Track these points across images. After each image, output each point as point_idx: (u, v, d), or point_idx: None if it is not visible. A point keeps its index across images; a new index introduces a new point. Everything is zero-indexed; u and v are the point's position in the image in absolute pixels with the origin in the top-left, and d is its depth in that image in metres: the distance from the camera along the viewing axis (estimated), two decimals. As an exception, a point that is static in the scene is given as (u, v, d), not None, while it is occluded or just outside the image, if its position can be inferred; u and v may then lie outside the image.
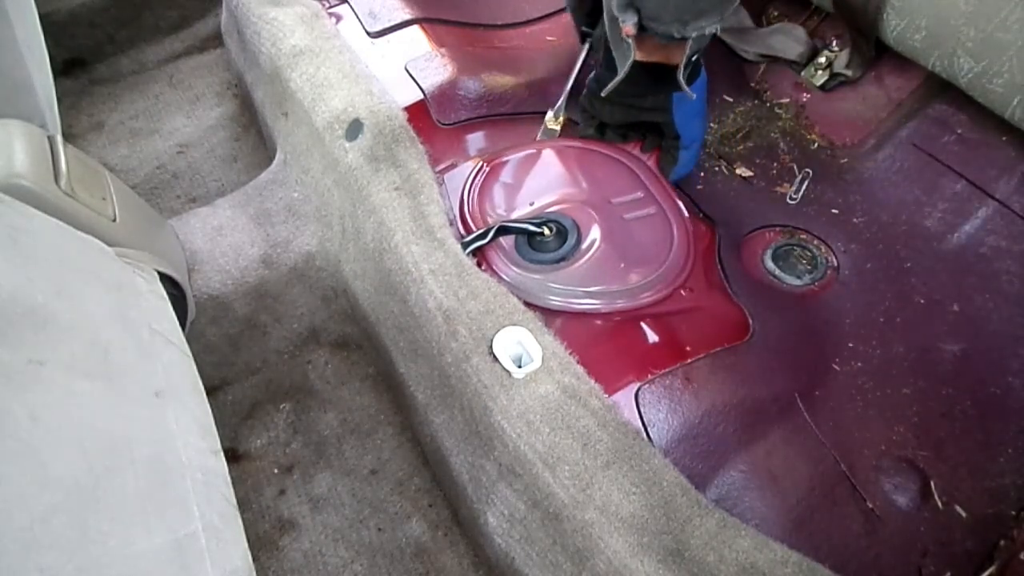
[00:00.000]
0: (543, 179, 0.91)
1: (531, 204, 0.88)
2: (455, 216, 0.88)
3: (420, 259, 0.75)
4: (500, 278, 0.80)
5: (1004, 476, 0.73)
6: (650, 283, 0.81)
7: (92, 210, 0.72)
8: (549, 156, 0.94)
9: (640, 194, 0.89)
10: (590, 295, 0.80)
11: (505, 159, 0.93)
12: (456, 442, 0.75)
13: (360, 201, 0.83)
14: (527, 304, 0.74)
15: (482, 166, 0.92)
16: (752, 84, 1.14)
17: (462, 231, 0.86)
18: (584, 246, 0.83)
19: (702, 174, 1.03)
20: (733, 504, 0.70)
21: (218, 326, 0.92)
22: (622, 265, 0.82)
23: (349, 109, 0.88)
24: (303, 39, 0.97)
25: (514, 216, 0.86)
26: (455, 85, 1.01)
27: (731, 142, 1.08)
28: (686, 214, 0.88)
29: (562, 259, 0.82)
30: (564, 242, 0.83)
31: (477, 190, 0.89)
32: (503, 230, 0.82)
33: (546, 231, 0.82)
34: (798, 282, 0.90)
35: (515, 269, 0.81)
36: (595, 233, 0.84)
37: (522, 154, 0.94)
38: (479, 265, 0.80)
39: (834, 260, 0.92)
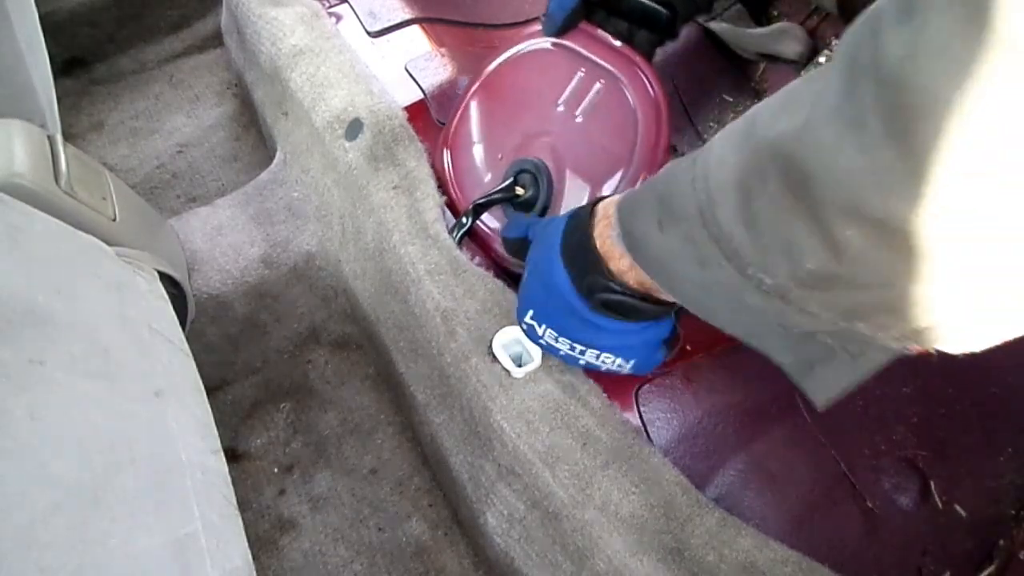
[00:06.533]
0: (498, 121, 0.81)
1: (499, 158, 0.79)
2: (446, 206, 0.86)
3: (416, 259, 0.75)
4: (498, 269, 0.79)
5: (1004, 476, 0.73)
6: (631, 173, 0.72)
7: (92, 210, 0.72)
8: (492, 89, 0.83)
9: (581, 72, 0.75)
10: None
11: (456, 121, 0.84)
12: (455, 442, 0.75)
13: (360, 201, 0.83)
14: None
15: (444, 134, 0.84)
16: (752, 84, 1.14)
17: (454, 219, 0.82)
18: (556, 184, 0.75)
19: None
20: (733, 503, 0.70)
21: (218, 326, 0.92)
22: (593, 175, 0.74)
23: (349, 109, 0.88)
24: (303, 39, 0.97)
25: (491, 178, 0.80)
26: (455, 85, 1.01)
27: (731, 142, 1.07)
28: (645, 72, 0.73)
29: (545, 208, 0.75)
30: (539, 188, 0.75)
31: (450, 168, 0.84)
32: (479, 209, 0.77)
33: (519, 190, 0.75)
34: (798, 282, 0.90)
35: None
36: (554, 162, 0.75)
37: (470, 102, 0.84)
38: (479, 253, 0.78)
39: (834, 260, 0.92)
